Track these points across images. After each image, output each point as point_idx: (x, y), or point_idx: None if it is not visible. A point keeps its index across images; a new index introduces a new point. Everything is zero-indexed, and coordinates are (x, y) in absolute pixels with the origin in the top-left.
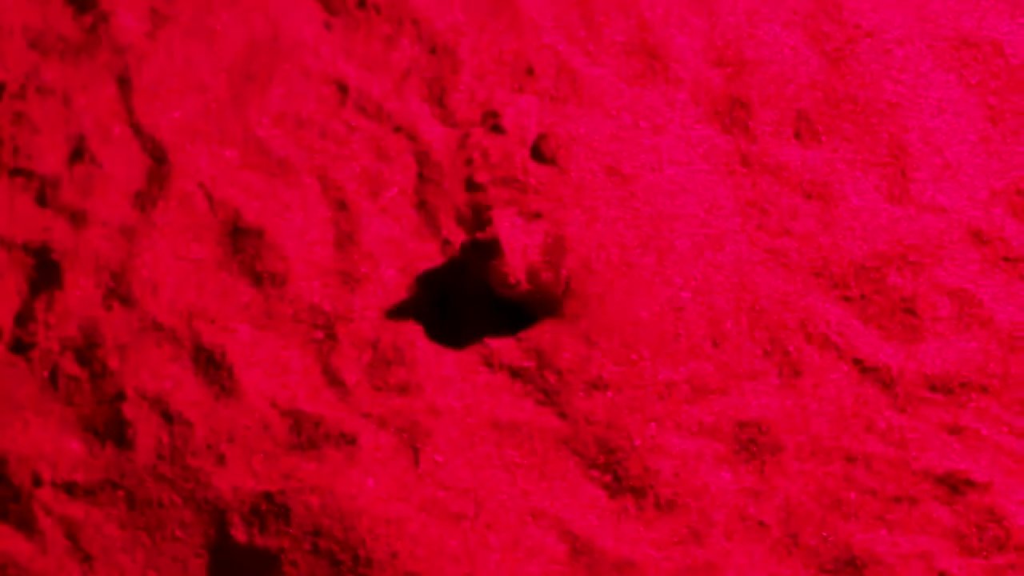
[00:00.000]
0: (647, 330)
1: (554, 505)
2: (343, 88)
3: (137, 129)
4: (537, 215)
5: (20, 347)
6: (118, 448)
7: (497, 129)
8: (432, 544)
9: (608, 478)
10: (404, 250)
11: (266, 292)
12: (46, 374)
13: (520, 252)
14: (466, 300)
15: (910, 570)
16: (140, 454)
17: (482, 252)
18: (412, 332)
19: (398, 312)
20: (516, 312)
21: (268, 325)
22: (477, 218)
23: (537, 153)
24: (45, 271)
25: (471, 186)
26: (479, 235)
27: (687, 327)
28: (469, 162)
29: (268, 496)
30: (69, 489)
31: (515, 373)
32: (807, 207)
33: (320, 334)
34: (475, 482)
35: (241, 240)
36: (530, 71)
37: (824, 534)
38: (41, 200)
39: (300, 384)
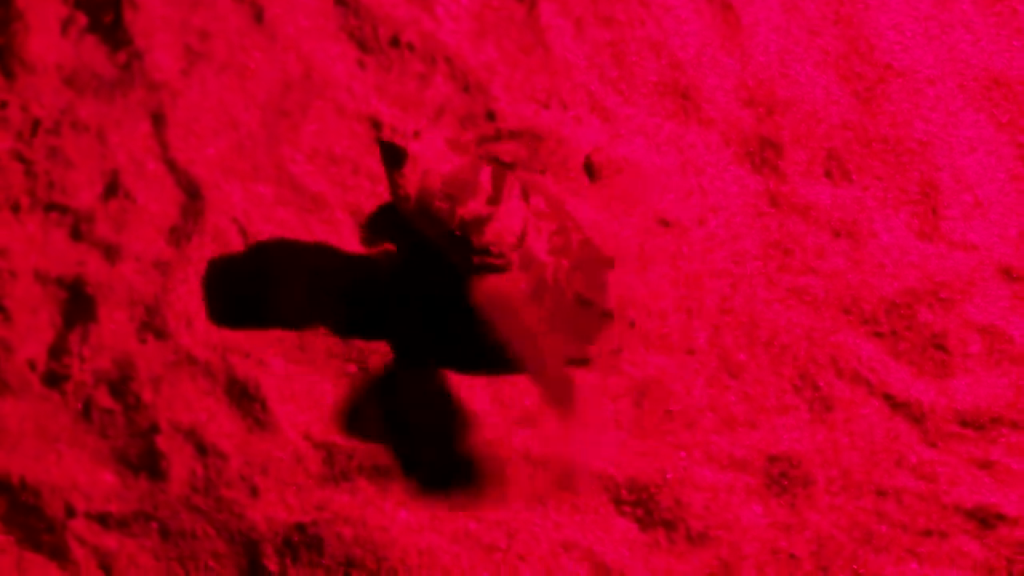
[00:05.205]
0: (666, 374)
1: (586, 537)
2: (377, 125)
3: (171, 165)
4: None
5: (54, 380)
6: (152, 480)
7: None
8: (464, 575)
9: (640, 511)
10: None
11: (299, 326)
12: (80, 406)
13: (421, 171)
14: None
15: None
16: (174, 485)
17: (389, 156)
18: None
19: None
20: None
21: (302, 359)
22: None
23: (589, 167)
24: (79, 304)
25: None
26: (394, 139)
27: (701, 361)
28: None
29: (301, 527)
30: (103, 520)
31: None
32: (835, 245)
33: (353, 367)
34: (507, 515)
35: None
36: (564, 110)
37: (855, 567)
38: (76, 234)
39: (333, 417)
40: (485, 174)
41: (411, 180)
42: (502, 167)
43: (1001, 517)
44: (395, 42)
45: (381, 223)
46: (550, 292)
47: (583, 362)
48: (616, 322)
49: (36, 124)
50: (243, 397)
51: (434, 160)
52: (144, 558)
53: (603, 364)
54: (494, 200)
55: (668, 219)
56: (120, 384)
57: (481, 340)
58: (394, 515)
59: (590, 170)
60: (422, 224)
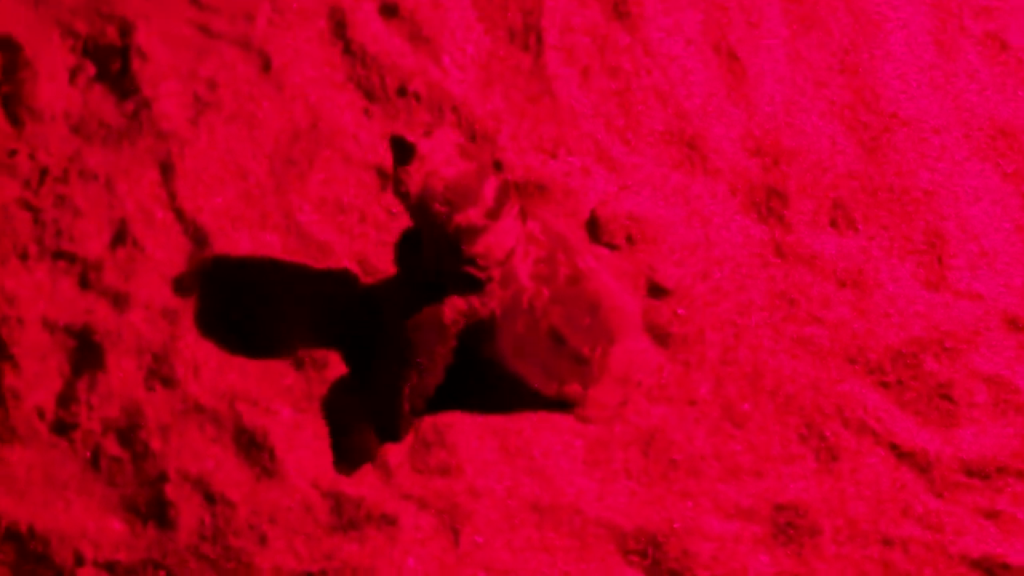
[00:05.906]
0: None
1: None
2: (383, 174)
3: (179, 214)
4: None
5: (62, 428)
6: (160, 528)
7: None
8: None
9: (647, 561)
10: None
11: (308, 375)
12: (88, 455)
13: (426, 170)
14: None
15: None
16: (182, 534)
17: (397, 151)
18: (452, 414)
19: (438, 395)
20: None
21: (310, 408)
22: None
23: (595, 223)
24: (87, 353)
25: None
26: (406, 135)
27: (703, 411)
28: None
29: None
30: (111, 568)
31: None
32: (841, 295)
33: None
34: (515, 563)
35: None
36: (570, 160)
37: None
38: (84, 283)
39: None
40: (489, 186)
41: (415, 178)
42: (508, 183)
43: (1007, 567)
44: (402, 91)
45: (405, 248)
46: (523, 317)
47: (568, 406)
48: (618, 380)
49: (44, 172)
50: (251, 446)
51: (441, 162)
52: None
53: (606, 415)
54: (493, 214)
55: (671, 282)
56: (128, 432)
57: (476, 369)
58: (402, 564)
59: (595, 227)
60: (418, 222)
